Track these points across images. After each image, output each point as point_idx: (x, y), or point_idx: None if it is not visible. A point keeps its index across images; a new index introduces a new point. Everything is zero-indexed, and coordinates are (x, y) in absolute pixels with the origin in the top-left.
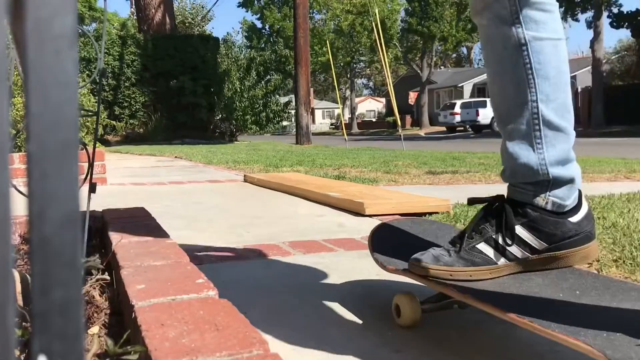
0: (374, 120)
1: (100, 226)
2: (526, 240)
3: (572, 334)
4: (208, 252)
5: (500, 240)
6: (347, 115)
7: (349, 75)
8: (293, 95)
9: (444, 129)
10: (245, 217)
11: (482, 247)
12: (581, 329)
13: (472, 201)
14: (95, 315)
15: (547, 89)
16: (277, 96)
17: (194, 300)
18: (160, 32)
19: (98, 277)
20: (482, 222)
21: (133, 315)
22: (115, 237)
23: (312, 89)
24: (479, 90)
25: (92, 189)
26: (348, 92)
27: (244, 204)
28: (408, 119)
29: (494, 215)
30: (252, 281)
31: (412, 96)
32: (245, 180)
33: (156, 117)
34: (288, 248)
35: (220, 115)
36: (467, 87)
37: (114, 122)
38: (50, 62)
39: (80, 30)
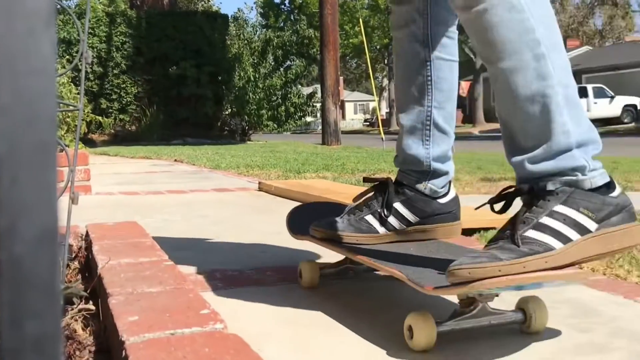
0: None
1: (84, 245)
2: (403, 214)
3: (400, 270)
4: (214, 276)
5: (383, 213)
6: (384, 110)
7: (386, 61)
8: (318, 85)
9: None
10: (260, 233)
11: (369, 218)
12: (414, 268)
13: (366, 179)
14: (77, 353)
15: (440, 99)
16: (299, 86)
17: (198, 334)
18: (156, 8)
19: (81, 306)
20: (371, 198)
21: (123, 353)
22: (101, 258)
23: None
24: None
25: (74, 199)
26: (385, 82)
27: (258, 218)
28: (459, 114)
29: (381, 193)
30: (268, 311)
31: (464, 86)
32: (260, 189)
33: (151, 112)
34: None
35: (230, 110)
36: None
37: (100, 118)
38: (23, 44)
39: (58, 6)
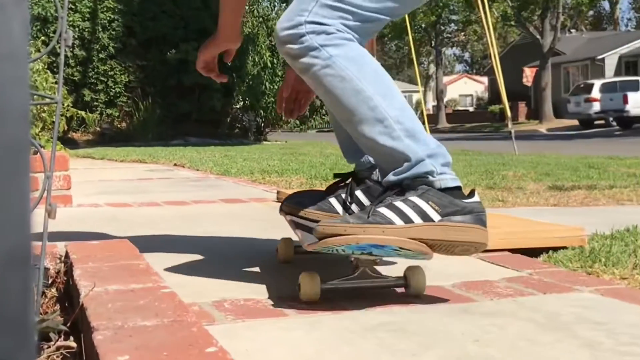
0: (471, 109)
1: (63, 268)
2: (362, 201)
3: (304, 236)
4: (223, 305)
5: (347, 200)
6: (430, 103)
7: (433, 43)
8: None
9: (575, 122)
10: (274, 247)
11: (332, 200)
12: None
13: (336, 175)
14: None
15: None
16: None
17: None
18: None
19: (59, 343)
20: (339, 189)
21: None
22: (84, 285)
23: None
24: (628, 65)
25: (51, 212)
26: (432, 69)
27: (277, 235)
28: (522, 107)
29: (346, 184)
30: (289, 350)
31: (529, 74)
32: (279, 200)
33: (146, 106)
34: (342, 299)
35: (242, 103)
36: (610, 61)
37: (82, 113)
38: None
39: None
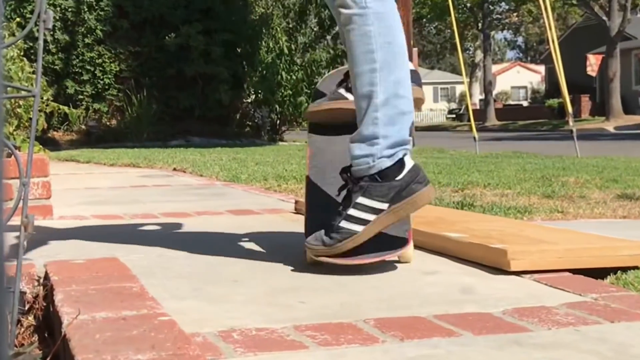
0: (524, 104)
1: (42, 292)
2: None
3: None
4: (231, 336)
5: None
6: (477, 96)
7: (480, 26)
8: None
9: None
10: (298, 275)
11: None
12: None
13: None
14: None
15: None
16: None
17: None
18: None
19: None
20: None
21: None
22: (67, 312)
23: (415, 50)
24: None
25: (27, 226)
26: (479, 56)
27: (295, 252)
28: (585, 101)
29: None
30: None
31: (593, 62)
32: (297, 211)
33: (140, 100)
34: (373, 330)
35: (255, 96)
36: None
37: (65, 109)
38: None
39: None
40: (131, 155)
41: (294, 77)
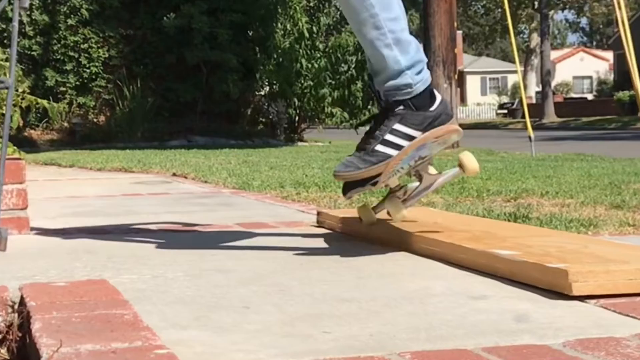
0: (589, 97)
1: (17, 319)
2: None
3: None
4: None
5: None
6: (533, 87)
7: (536, 4)
8: (421, 46)
9: None
10: (319, 299)
11: (379, 147)
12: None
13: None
14: None
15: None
16: None
17: None
18: None
19: None
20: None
21: None
22: (47, 343)
23: (459, 33)
24: None
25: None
26: (536, 40)
27: (316, 273)
28: None
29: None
30: None
31: None
32: (319, 224)
33: (134, 93)
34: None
35: (269, 88)
36: None
37: (45, 103)
38: None
39: None
40: (122, 158)
41: (315, 66)
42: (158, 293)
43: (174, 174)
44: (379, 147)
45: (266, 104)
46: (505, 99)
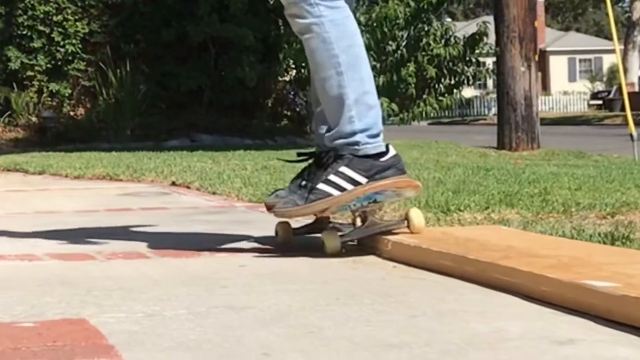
0: None
1: None
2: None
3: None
4: None
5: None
6: (635, 71)
7: None
8: (490, 19)
9: None
10: (359, 345)
11: (321, 186)
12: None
13: (300, 154)
14: None
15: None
16: (448, 21)
17: None
18: None
19: None
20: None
21: None
22: None
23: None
24: None
25: None
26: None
27: (356, 311)
28: None
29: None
30: None
31: None
32: (360, 247)
33: (122, 78)
34: None
35: (295, 73)
36: None
37: (10, 91)
38: None
39: None
40: (107, 163)
41: None
42: (153, 336)
43: (174, 183)
44: (321, 186)
45: (292, 92)
46: (599, 87)
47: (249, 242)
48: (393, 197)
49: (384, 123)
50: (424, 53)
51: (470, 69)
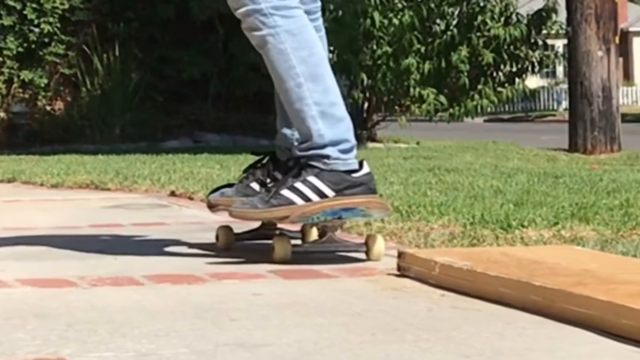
0: None
1: None
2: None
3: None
4: None
5: (265, 182)
6: None
7: None
8: None
9: None
10: None
11: (284, 192)
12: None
13: (253, 153)
14: None
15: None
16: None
17: None
18: None
19: None
20: (257, 169)
21: None
22: None
23: None
24: None
25: None
26: None
27: (397, 349)
28: None
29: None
30: None
31: None
32: (402, 271)
33: (109, 65)
34: None
35: None
36: None
37: None
38: None
39: None
40: (92, 168)
41: (395, 22)
42: None
43: (173, 193)
44: (285, 192)
45: None
46: None
47: (265, 265)
48: (359, 215)
49: (429, 120)
50: (479, 34)
51: (536, 54)
